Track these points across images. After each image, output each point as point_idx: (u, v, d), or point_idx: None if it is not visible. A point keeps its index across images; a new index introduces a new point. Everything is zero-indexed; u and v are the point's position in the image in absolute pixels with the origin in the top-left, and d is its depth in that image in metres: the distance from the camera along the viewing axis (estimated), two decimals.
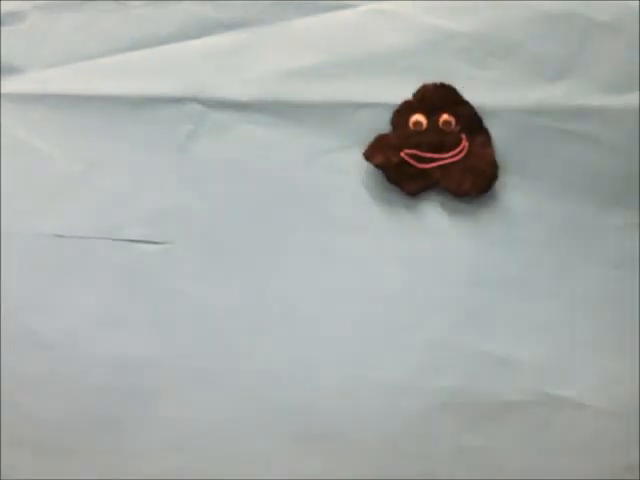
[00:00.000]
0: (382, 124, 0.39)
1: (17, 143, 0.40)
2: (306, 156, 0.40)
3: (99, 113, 0.40)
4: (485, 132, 0.39)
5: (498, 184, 0.39)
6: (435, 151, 0.39)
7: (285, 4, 0.39)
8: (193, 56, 0.40)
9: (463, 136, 0.39)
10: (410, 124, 0.39)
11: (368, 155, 0.39)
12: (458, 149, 0.38)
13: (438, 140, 0.39)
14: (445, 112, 0.39)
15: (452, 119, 0.39)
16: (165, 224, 0.40)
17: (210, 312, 0.40)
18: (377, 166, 0.39)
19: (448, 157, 0.38)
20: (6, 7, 0.40)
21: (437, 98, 0.38)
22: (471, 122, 0.39)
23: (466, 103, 0.39)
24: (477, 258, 0.39)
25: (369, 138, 0.39)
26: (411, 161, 0.38)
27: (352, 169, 0.40)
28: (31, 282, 0.40)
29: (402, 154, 0.38)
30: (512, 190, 0.39)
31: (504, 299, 0.39)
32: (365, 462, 0.39)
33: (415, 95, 0.39)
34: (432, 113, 0.39)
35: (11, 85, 0.40)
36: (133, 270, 0.40)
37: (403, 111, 0.39)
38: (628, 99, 0.38)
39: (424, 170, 0.39)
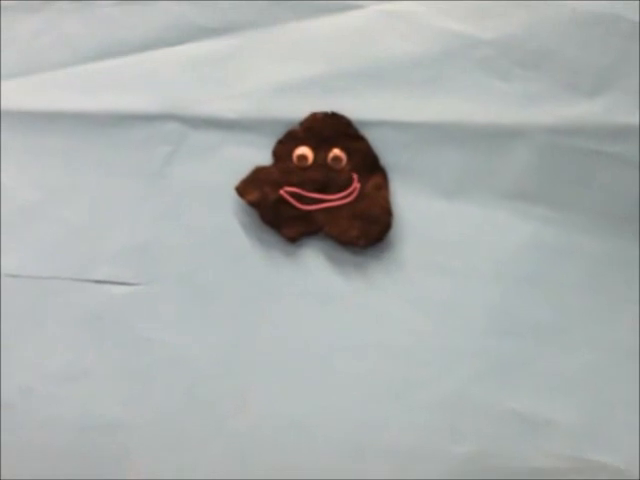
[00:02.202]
0: (390, 146, 0.37)
1: None
2: None
3: (61, 133, 0.37)
4: (382, 173, 0.36)
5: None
6: (321, 191, 0.36)
7: (280, 5, 0.37)
8: (172, 66, 0.37)
9: (355, 176, 0.36)
10: (294, 158, 0.36)
11: (241, 190, 0.36)
12: (348, 191, 0.36)
13: (325, 178, 0.36)
14: (336, 147, 0.36)
15: (343, 155, 0.36)
16: (137, 262, 0.38)
17: (190, 365, 0.37)
18: (251, 204, 0.36)
19: (335, 199, 0.36)
20: None
21: (327, 129, 0.36)
22: (365, 160, 0.36)
23: (361, 138, 0.36)
24: (502, 302, 0.37)
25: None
26: (292, 201, 0.36)
27: None
28: None
29: (282, 192, 0.36)
30: (541, 222, 0.37)
31: (533, 349, 0.37)
32: None
33: (302, 124, 0.36)
34: (320, 147, 0.36)
35: None
36: (100, 315, 0.37)
37: (287, 142, 0.36)
38: None
39: (306, 212, 0.36)
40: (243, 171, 0.36)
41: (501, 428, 0.36)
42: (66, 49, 0.38)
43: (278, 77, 0.37)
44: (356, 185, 0.36)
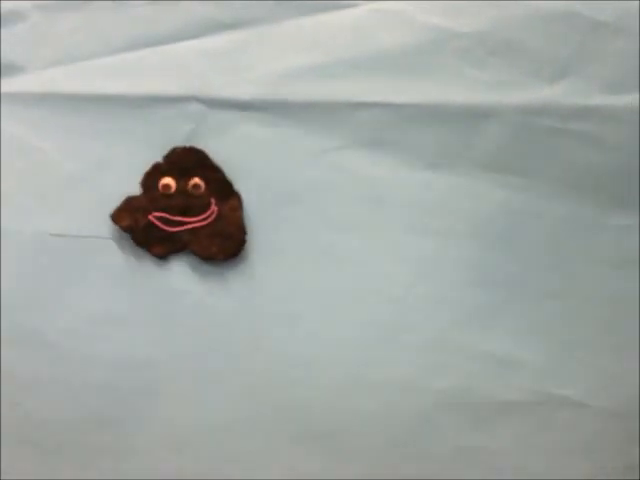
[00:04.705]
0: (381, 124, 0.39)
1: (17, 142, 0.39)
2: (307, 155, 0.39)
3: (99, 113, 0.39)
4: (236, 197, 0.39)
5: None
6: (184, 214, 0.39)
7: (286, 4, 0.39)
8: (193, 55, 0.39)
9: (212, 200, 0.39)
10: (159, 187, 0.38)
11: (115, 218, 0.38)
12: (207, 213, 0.38)
13: (187, 204, 0.39)
14: (195, 176, 0.38)
15: (202, 183, 0.38)
16: None
17: (210, 312, 0.40)
18: (124, 229, 0.38)
19: (197, 221, 0.38)
20: (6, 7, 0.39)
21: (187, 161, 0.38)
22: (221, 187, 0.39)
23: (216, 168, 0.39)
24: (478, 258, 0.39)
25: (369, 138, 0.39)
26: (159, 224, 0.38)
27: (352, 168, 0.39)
28: (31, 281, 0.40)
29: (150, 217, 0.38)
30: (512, 189, 0.39)
31: (505, 299, 0.39)
32: (365, 462, 0.40)
33: (165, 158, 0.39)
34: (182, 176, 0.39)
35: (11, 85, 0.39)
36: (133, 269, 0.40)
37: (153, 174, 0.39)
38: (629, 99, 0.38)
39: (172, 233, 0.38)
40: (255, 145, 0.39)
41: (477, 366, 0.39)
42: (103, 41, 0.39)
43: (284, 65, 0.38)
44: (214, 208, 0.38)
